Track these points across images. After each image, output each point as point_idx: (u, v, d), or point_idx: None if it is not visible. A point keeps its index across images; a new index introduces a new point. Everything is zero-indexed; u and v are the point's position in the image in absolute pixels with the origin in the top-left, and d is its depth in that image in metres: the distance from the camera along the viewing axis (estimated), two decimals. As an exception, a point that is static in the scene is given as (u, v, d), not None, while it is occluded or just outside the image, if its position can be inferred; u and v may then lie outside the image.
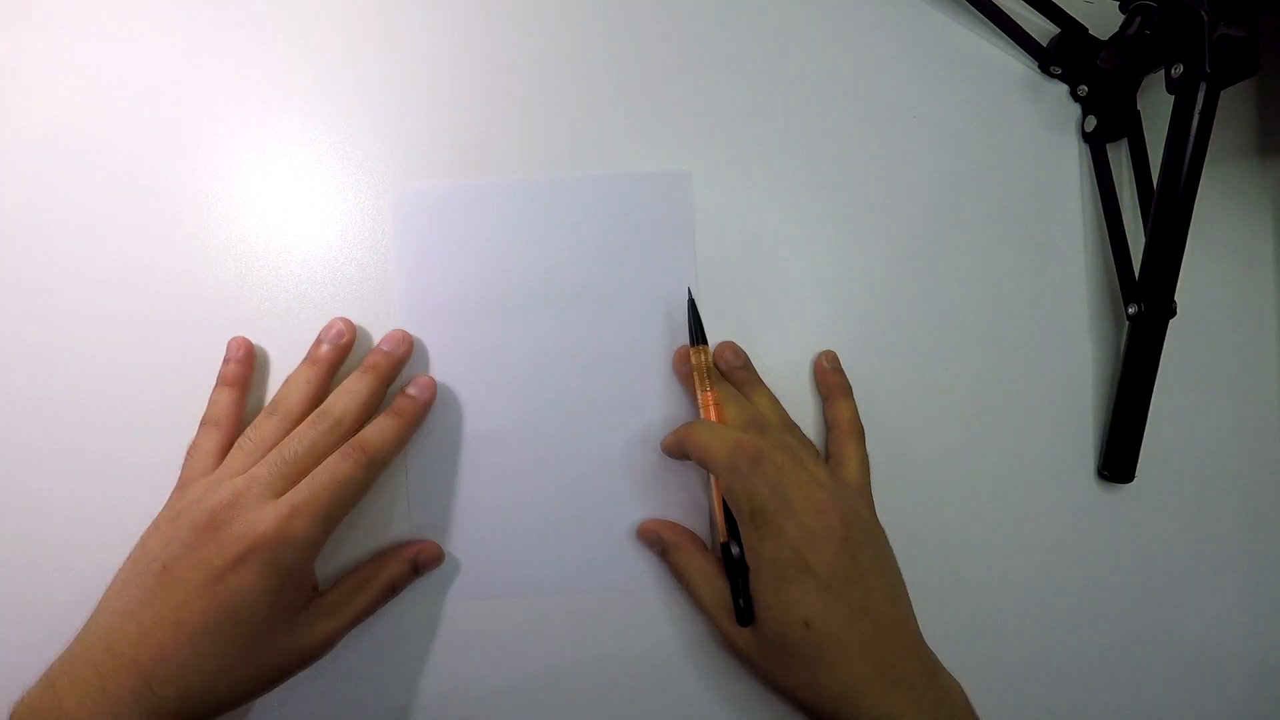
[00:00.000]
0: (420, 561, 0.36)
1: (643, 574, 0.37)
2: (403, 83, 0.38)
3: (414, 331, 0.37)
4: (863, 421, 0.38)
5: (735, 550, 0.33)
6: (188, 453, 0.35)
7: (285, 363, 0.37)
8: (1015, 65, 0.40)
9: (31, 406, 0.37)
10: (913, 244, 0.39)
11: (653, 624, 0.37)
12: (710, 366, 0.35)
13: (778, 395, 0.37)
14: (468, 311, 0.37)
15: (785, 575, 0.30)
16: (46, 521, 0.36)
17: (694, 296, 0.36)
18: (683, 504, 0.37)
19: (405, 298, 0.37)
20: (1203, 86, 0.33)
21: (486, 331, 0.37)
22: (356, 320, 0.37)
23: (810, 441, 0.37)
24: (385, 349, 0.36)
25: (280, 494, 0.31)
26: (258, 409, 0.36)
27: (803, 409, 0.38)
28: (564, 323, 0.37)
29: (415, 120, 0.38)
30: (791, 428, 0.36)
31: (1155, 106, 0.39)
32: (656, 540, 0.36)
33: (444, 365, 0.37)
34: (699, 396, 0.35)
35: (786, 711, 0.36)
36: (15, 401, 0.37)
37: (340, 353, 0.36)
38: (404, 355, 0.36)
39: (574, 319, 0.37)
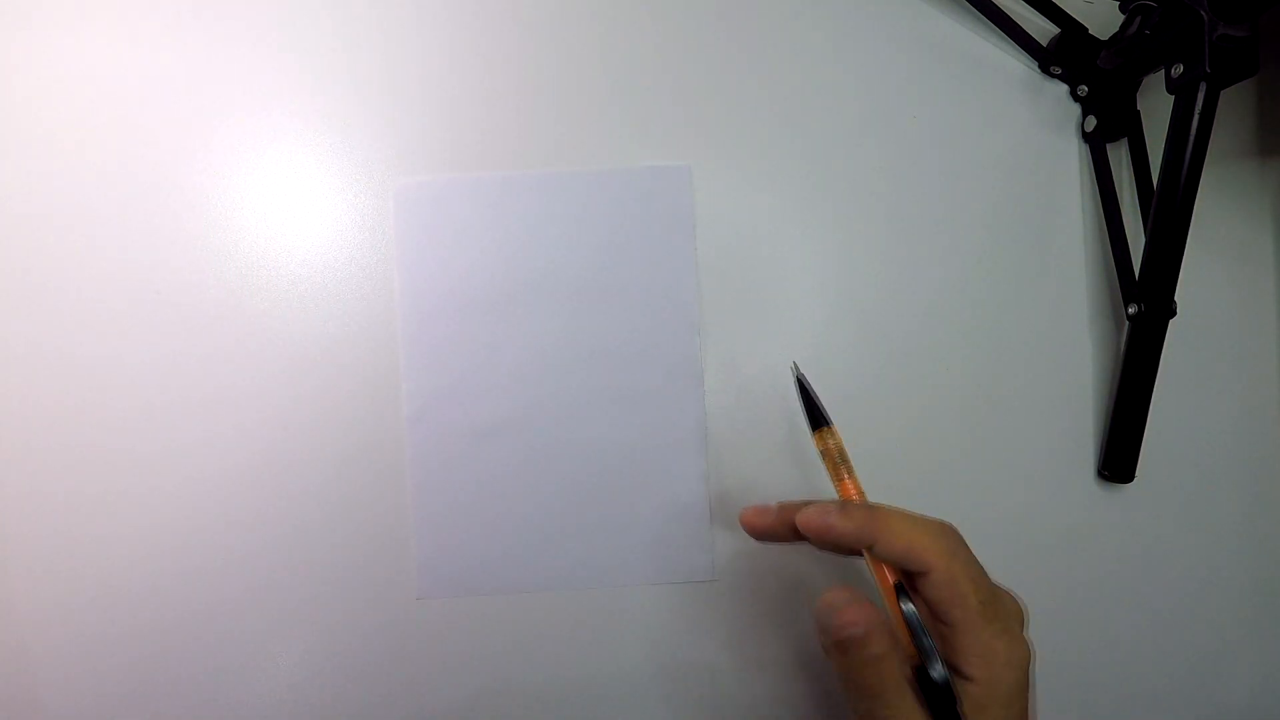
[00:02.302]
0: None
1: (642, 570, 0.37)
2: (402, 80, 0.38)
3: (414, 326, 0.37)
4: (861, 422, 0.38)
5: (939, 672, 0.25)
6: None
7: (285, 363, 0.37)
8: (1015, 65, 0.40)
9: (32, 407, 0.37)
10: (913, 243, 0.39)
11: (651, 619, 0.37)
12: (844, 450, 0.30)
13: (779, 393, 0.37)
14: (468, 306, 0.37)
15: (1021, 681, 0.26)
16: (45, 522, 0.36)
17: (800, 372, 0.31)
18: (682, 499, 0.37)
19: (406, 291, 0.37)
20: (1203, 86, 0.33)
21: (487, 326, 0.37)
22: (358, 318, 0.37)
23: None
24: None
25: None
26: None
27: (800, 408, 0.38)
28: (564, 318, 0.37)
29: (415, 118, 0.38)
30: None
31: (1155, 106, 0.39)
32: (838, 626, 0.25)
33: (444, 360, 0.37)
34: (839, 488, 0.30)
35: (785, 708, 0.36)
36: (15, 402, 0.37)
37: None
38: None
39: (574, 314, 0.37)
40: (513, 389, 0.37)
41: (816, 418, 0.30)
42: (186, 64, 0.38)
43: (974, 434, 0.39)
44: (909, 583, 0.27)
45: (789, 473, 0.38)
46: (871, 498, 0.37)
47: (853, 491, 0.29)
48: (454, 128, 0.38)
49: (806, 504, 0.29)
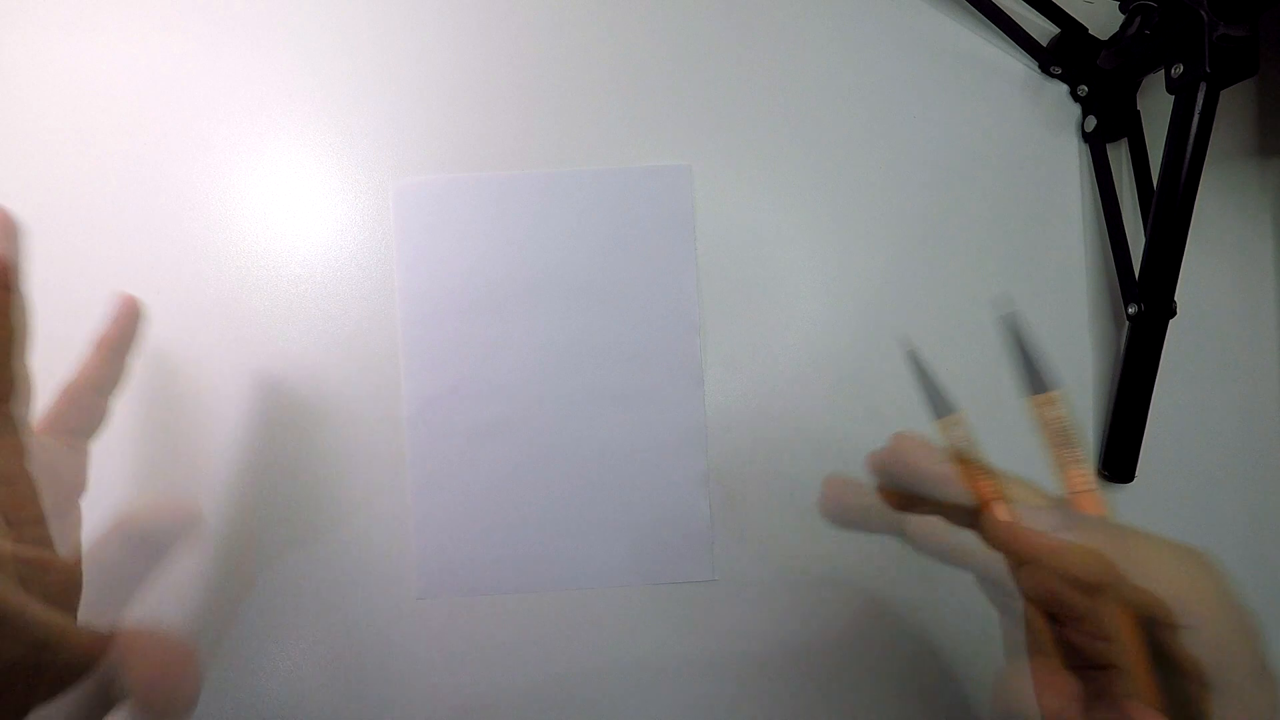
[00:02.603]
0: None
1: (642, 570, 0.37)
2: (403, 80, 0.38)
3: (414, 326, 0.37)
4: (862, 422, 0.38)
5: None
6: None
7: (285, 363, 0.37)
8: (1015, 65, 0.40)
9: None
10: (912, 243, 0.39)
11: (652, 619, 0.37)
12: (1067, 424, 0.23)
13: (780, 393, 0.37)
14: (468, 306, 0.37)
15: None
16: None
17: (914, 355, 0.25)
18: (682, 499, 0.37)
19: (406, 292, 0.37)
20: (1203, 86, 0.33)
21: (487, 326, 0.37)
22: (358, 318, 0.37)
23: None
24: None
25: None
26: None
27: (800, 408, 0.38)
28: (564, 317, 0.37)
29: (415, 117, 0.38)
30: None
31: (1155, 106, 0.39)
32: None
33: (444, 360, 0.37)
34: (1067, 477, 0.23)
35: (785, 708, 0.36)
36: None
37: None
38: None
39: (574, 314, 0.37)
40: (513, 389, 0.37)
41: (1035, 381, 0.24)
42: (186, 64, 0.38)
43: (974, 434, 0.39)
44: (1147, 629, 0.20)
45: (790, 473, 0.38)
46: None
47: (1081, 484, 0.22)
48: (454, 128, 0.38)
49: (971, 472, 0.22)
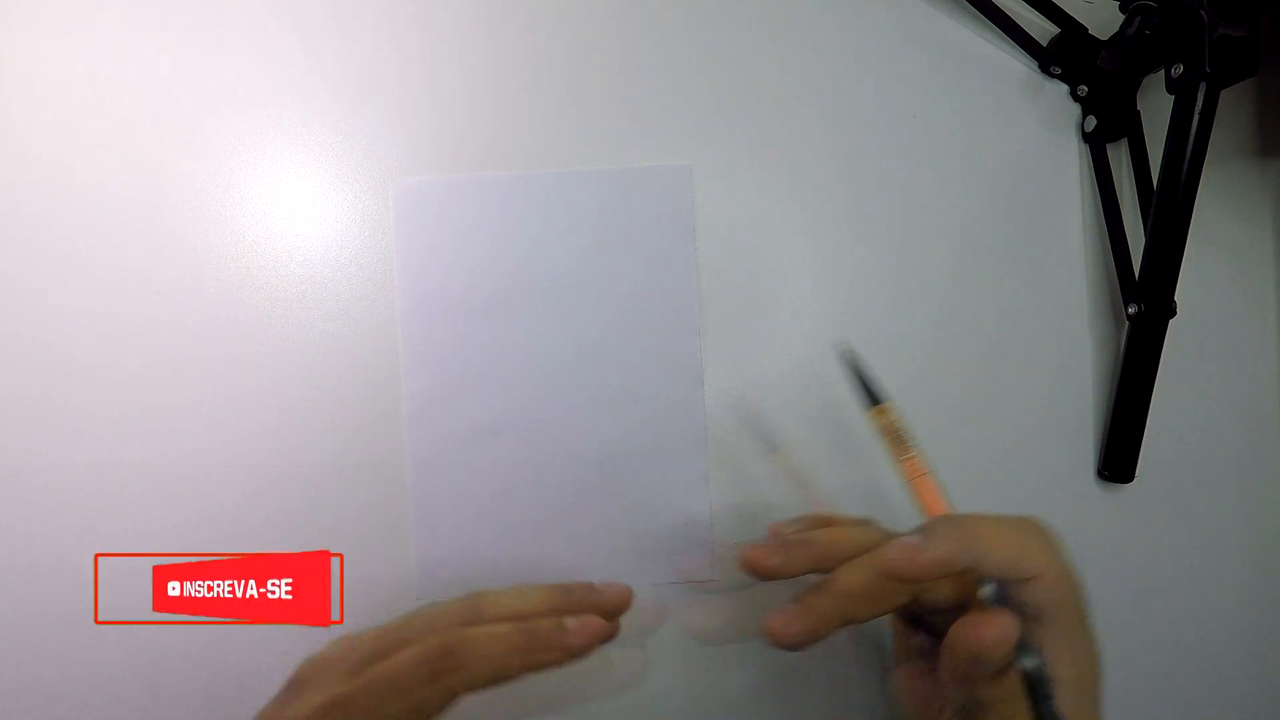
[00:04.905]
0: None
1: (642, 570, 0.37)
2: (403, 80, 0.38)
3: (414, 326, 0.37)
4: (861, 422, 0.38)
5: (1033, 665, 0.24)
6: None
7: (285, 363, 0.37)
8: (1015, 65, 0.40)
9: (32, 408, 0.37)
10: (912, 243, 0.39)
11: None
12: (897, 427, 0.30)
13: (779, 393, 0.38)
14: (468, 306, 0.37)
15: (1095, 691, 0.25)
16: (45, 519, 0.36)
17: (849, 353, 0.31)
18: (682, 499, 0.37)
19: (406, 292, 0.37)
20: (1203, 86, 0.33)
21: (487, 326, 0.37)
22: (358, 318, 0.37)
23: None
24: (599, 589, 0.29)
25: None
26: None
27: (799, 409, 0.38)
28: (564, 318, 0.37)
29: (415, 117, 0.38)
30: None
31: (1155, 106, 0.39)
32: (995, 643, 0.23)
33: (444, 360, 0.37)
34: (902, 468, 0.29)
35: (778, 704, 0.36)
36: (16, 402, 0.37)
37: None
38: (610, 602, 0.29)
39: (574, 314, 0.37)
40: (513, 389, 0.37)
41: (869, 397, 0.31)
42: (187, 64, 0.38)
43: (974, 434, 0.39)
44: (1005, 590, 0.24)
45: (790, 473, 0.38)
46: (874, 498, 0.37)
47: (918, 471, 0.29)
48: (454, 128, 0.38)
49: (834, 528, 0.27)
